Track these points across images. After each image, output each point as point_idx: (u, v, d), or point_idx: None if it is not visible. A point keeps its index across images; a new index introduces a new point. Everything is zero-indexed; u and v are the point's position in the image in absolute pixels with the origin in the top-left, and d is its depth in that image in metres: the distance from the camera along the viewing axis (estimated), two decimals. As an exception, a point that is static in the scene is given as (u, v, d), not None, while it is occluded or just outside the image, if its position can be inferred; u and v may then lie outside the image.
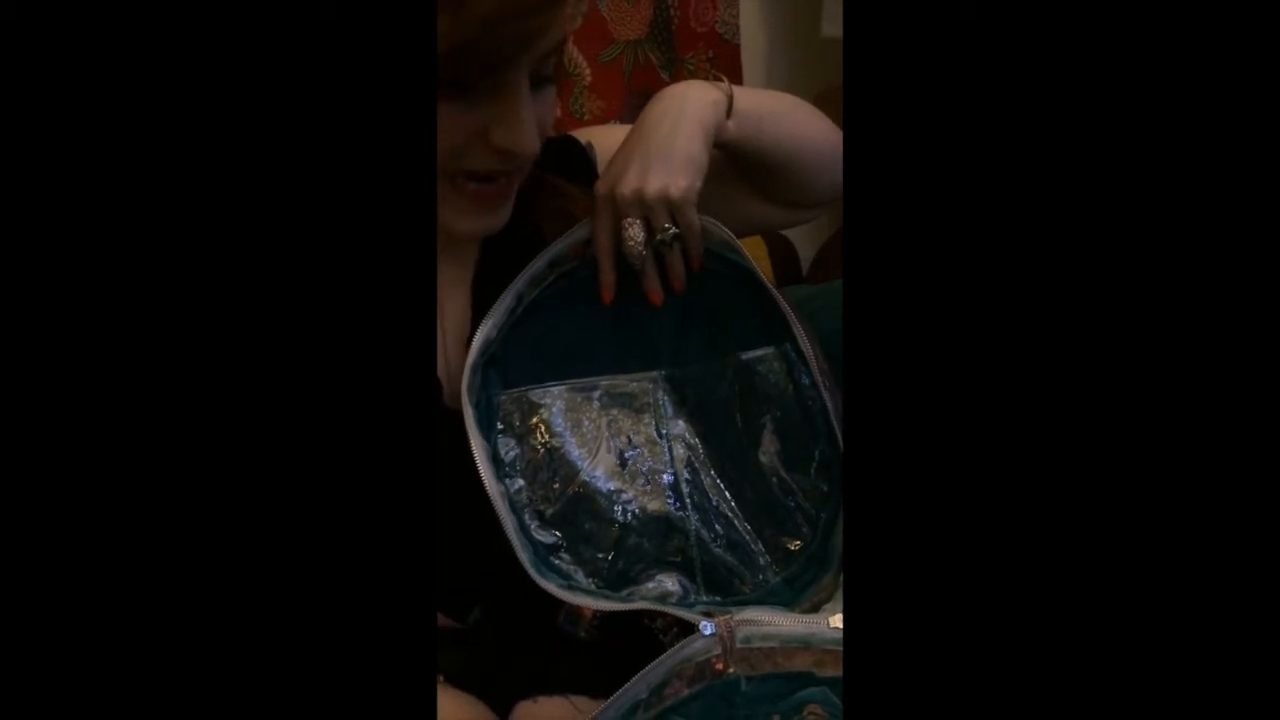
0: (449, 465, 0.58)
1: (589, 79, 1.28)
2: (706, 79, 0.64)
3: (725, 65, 1.36)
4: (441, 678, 0.61)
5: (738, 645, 0.54)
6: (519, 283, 0.59)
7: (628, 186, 0.57)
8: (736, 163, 0.66)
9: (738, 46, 1.36)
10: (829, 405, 0.59)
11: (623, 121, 1.31)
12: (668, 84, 1.45)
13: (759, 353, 0.61)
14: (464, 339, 0.62)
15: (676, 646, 0.54)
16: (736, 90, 0.62)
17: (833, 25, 1.32)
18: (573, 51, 1.25)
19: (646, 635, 0.60)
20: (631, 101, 1.32)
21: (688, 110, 0.60)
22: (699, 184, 0.58)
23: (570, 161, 0.69)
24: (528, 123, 0.54)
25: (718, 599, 0.59)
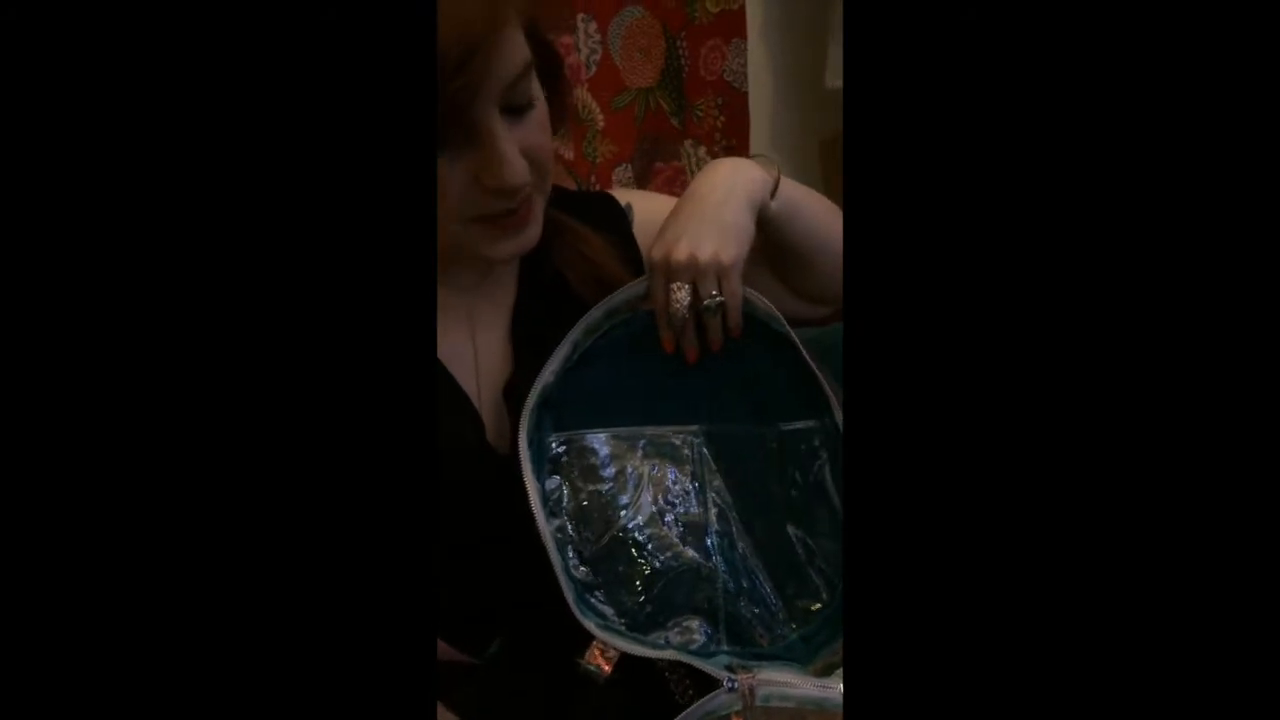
0: (481, 501, 0.61)
1: (602, 124, 1.30)
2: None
3: (733, 113, 1.39)
4: (445, 708, 0.61)
5: (757, 703, 0.57)
6: (575, 332, 0.62)
7: (682, 253, 0.60)
8: (767, 248, 0.69)
9: (745, 95, 1.39)
10: None
11: (633, 166, 1.33)
12: (677, 129, 1.47)
13: (799, 425, 0.63)
14: (499, 378, 0.65)
15: (703, 700, 0.56)
16: (782, 178, 0.67)
17: (835, 77, 1.38)
18: (586, 97, 1.27)
19: (661, 682, 0.62)
20: (643, 146, 1.35)
21: (739, 184, 0.63)
22: (746, 252, 0.62)
23: (606, 220, 0.71)
24: (509, 155, 0.55)
25: (738, 649, 0.61)
